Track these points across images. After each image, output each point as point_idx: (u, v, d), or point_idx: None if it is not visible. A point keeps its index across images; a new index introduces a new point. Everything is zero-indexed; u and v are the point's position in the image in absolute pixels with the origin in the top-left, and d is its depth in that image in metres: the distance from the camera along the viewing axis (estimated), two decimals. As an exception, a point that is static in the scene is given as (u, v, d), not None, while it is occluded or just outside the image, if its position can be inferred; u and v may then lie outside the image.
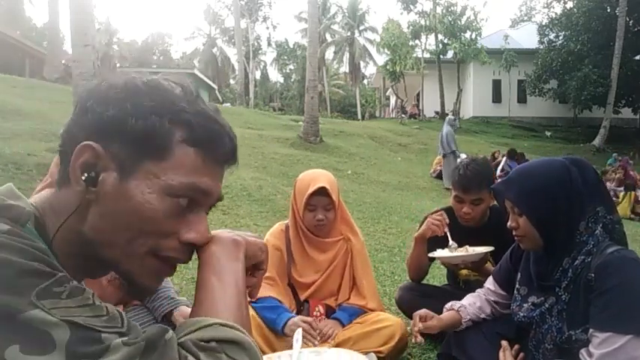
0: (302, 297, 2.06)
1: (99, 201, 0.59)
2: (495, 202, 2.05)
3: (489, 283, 1.76)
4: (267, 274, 1.99)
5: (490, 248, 2.03)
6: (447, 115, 16.07)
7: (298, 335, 1.44)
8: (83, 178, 0.58)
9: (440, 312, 1.76)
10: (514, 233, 1.47)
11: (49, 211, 0.63)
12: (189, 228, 0.63)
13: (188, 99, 0.63)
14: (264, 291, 1.96)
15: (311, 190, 1.95)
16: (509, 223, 1.46)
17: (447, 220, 2.11)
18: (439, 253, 2.12)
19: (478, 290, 1.81)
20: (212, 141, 0.63)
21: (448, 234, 2.12)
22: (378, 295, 2.19)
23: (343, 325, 1.98)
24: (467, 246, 2.10)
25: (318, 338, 1.86)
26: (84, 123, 0.61)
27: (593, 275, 1.29)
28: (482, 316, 1.73)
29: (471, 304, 1.74)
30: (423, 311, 1.69)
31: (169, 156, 0.60)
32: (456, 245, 2.12)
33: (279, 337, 1.89)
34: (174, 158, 0.60)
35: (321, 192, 1.96)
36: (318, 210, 1.99)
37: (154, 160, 0.59)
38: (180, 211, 0.61)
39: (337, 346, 1.89)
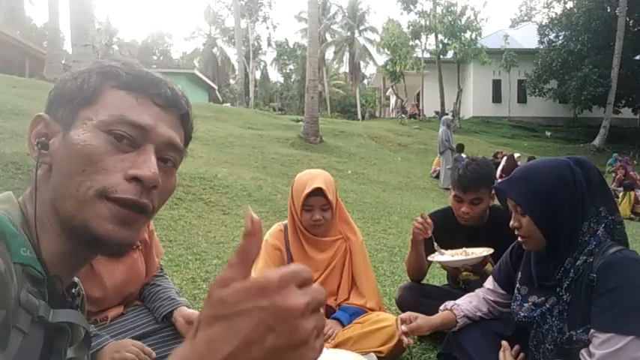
0: None
1: (53, 163, 0.63)
2: (495, 202, 2.04)
3: (488, 282, 1.76)
4: None
5: (490, 250, 2.01)
6: (447, 115, 16.09)
7: None
8: (35, 142, 0.64)
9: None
10: (516, 233, 1.46)
11: (28, 199, 0.65)
12: (133, 164, 0.62)
13: (124, 63, 0.67)
14: None
15: (307, 190, 1.96)
16: (511, 223, 1.46)
17: (430, 222, 2.08)
18: (439, 257, 2.11)
19: (476, 290, 1.80)
20: (144, 85, 0.65)
21: (433, 238, 2.10)
22: (378, 294, 2.18)
23: (343, 325, 1.98)
24: (465, 248, 2.10)
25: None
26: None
27: (595, 275, 1.28)
28: (479, 314, 1.72)
29: (466, 303, 1.74)
30: (406, 314, 1.69)
31: (100, 99, 0.64)
32: (444, 252, 2.10)
33: None
34: (104, 100, 0.64)
35: (318, 192, 1.97)
36: (315, 210, 2.00)
37: (86, 107, 0.63)
38: (117, 146, 0.62)
39: (337, 346, 1.89)
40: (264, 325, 0.37)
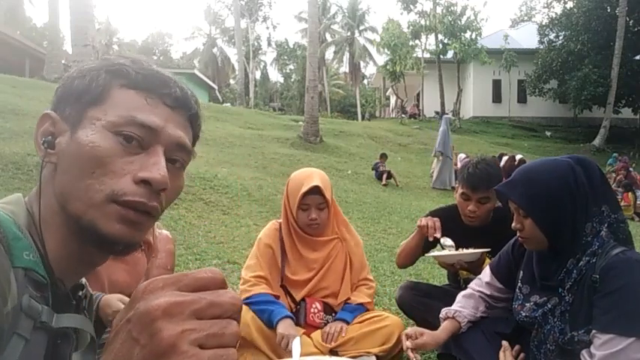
0: (298, 296, 2.04)
1: (59, 162, 0.62)
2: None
3: (486, 275, 1.72)
4: (258, 273, 2.00)
5: (486, 249, 2.02)
6: (447, 114, 16.08)
7: (297, 345, 1.42)
8: (41, 141, 0.63)
9: (440, 312, 1.75)
10: (519, 235, 1.45)
11: (34, 200, 0.63)
12: (142, 167, 0.61)
13: (132, 61, 0.66)
14: (256, 289, 1.95)
15: (304, 189, 1.94)
16: (513, 225, 1.45)
17: (439, 229, 2.08)
18: (435, 252, 2.11)
19: (470, 285, 1.78)
20: (154, 85, 0.64)
21: (438, 235, 2.09)
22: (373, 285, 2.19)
23: (348, 323, 1.98)
24: (462, 249, 2.10)
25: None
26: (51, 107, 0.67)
27: (597, 276, 1.27)
28: (478, 314, 1.71)
29: (465, 307, 1.71)
30: (411, 330, 1.66)
31: (108, 99, 0.62)
32: (451, 244, 2.10)
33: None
34: (113, 100, 0.62)
35: (315, 191, 1.96)
36: (312, 209, 1.98)
37: (94, 106, 0.62)
38: (126, 148, 0.61)
39: (340, 346, 1.89)
40: (129, 337, 0.35)
